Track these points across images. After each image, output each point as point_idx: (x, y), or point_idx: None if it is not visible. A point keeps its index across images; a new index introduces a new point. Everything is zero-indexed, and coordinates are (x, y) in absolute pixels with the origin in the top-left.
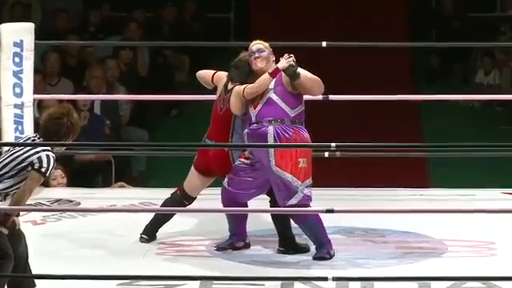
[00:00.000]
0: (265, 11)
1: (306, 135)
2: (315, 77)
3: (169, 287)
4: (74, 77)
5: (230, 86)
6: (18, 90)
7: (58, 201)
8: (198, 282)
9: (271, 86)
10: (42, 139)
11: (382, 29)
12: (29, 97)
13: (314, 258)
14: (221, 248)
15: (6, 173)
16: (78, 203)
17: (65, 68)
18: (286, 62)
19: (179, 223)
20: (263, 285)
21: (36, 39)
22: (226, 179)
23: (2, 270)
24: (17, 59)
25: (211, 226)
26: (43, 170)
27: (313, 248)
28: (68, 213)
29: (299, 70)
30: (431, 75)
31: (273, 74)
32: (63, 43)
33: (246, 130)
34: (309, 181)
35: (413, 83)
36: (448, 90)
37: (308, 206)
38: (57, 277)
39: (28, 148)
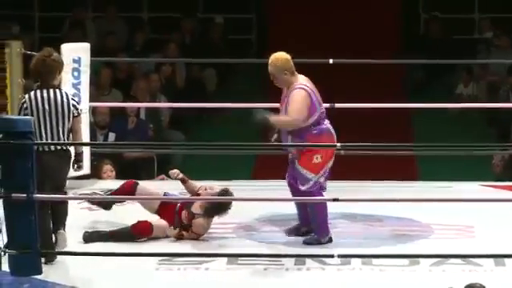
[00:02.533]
0: (281, 34)
1: (319, 130)
2: (288, 119)
3: (201, 263)
4: (123, 88)
5: None
6: (76, 99)
7: (109, 191)
8: (225, 259)
9: None
10: (38, 82)
11: (383, 50)
12: (85, 104)
13: (304, 242)
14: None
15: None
16: None
17: (115, 81)
18: None
19: None
20: (280, 261)
21: (91, 57)
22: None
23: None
24: (75, 73)
25: (237, 211)
26: (80, 110)
27: None
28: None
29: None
30: (420, 87)
31: None
32: (113, 60)
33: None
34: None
35: (404, 94)
36: (434, 100)
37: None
38: (106, 254)
39: (62, 102)
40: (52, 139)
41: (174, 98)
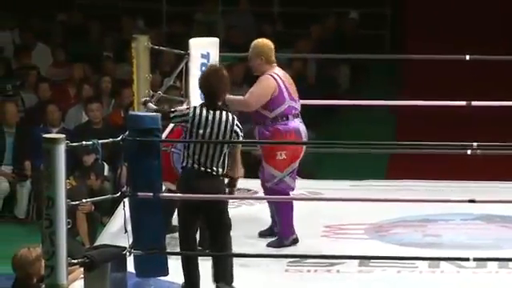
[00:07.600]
0: (416, 30)
1: (286, 128)
2: (238, 99)
3: (332, 265)
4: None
5: None
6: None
7: (238, 190)
8: (357, 261)
9: None
10: (206, 99)
11: None
12: None
13: (267, 245)
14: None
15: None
16: (256, 192)
17: (248, 77)
18: None
19: (341, 210)
20: (414, 263)
21: (221, 52)
22: None
23: None
24: (204, 69)
25: (368, 212)
26: (241, 136)
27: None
28: (247, 200)
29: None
30: None
31: None
32: (241, 55)
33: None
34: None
35: None
36: None
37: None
38: (239, 255)
39: (226, 127)
40: (205, 162)
41: (304, 94)
